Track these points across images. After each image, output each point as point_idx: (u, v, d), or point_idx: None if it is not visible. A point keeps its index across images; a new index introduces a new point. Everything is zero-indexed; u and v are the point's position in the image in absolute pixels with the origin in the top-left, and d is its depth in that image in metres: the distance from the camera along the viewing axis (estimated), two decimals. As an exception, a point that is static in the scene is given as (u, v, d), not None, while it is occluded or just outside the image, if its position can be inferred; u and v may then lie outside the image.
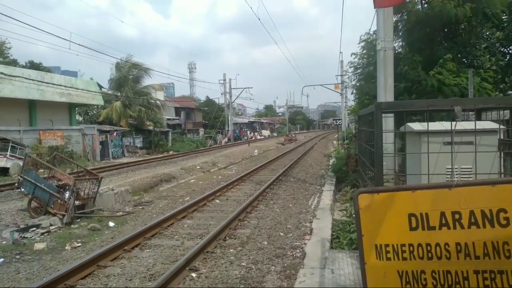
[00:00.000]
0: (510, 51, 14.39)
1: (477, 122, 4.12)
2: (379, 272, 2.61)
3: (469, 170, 4.26)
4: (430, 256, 2.51)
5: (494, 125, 4.53)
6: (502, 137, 4.80)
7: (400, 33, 14.37)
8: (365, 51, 15.81)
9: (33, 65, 37.95)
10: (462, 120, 5.02)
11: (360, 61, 16.48)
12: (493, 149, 4.32)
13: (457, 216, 2.48)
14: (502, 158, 4.47)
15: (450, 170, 3.98)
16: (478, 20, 12.77)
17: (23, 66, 34.57)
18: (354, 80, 18.37)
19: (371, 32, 14.80)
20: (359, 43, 16.03)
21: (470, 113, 5.85)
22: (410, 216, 2.58)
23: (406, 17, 13.59)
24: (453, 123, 3.21)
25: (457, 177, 2.65)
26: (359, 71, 16.69)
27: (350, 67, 17.75)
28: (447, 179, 4.11)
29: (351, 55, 16.76)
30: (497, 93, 12.41)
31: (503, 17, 13.34)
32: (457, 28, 13.16)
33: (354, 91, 17.94)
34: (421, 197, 2.58)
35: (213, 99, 65.71)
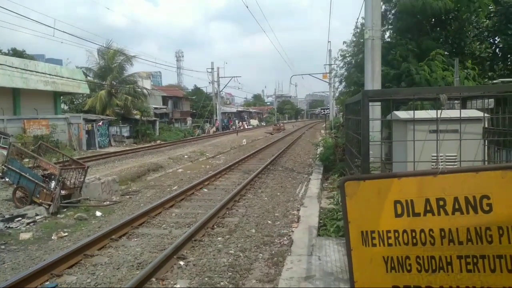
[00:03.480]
0: (498, 41, 14.54)
1: (462, 110, 4.17)
2: (365, 258, 2.65)
3: (454, 157, 4.32)
4: (415, 242, 2.56)
5: (479, 114, 4.59)
6: (486, 125, 4.88)
7: (390, 21, 14.39)
8: (355, 39, 15.83)
9: (16, 53, 37.04)
10: (447, 109, 5.07)
11: (350, 49, 16.51)
12: (478, 137, 4.38)
13: (441, 203, 2.52)
14: (486, 146, 4.54)
15: (435, 157, 4.03)
16: (465, 13, 12.86)
17: (5, 54, 33.75)
18: (343, 68, 18.37)
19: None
20: (354, 29, 16.07)
21: (456, 101, 5.92)
22: (396, 203, 2.61)
23: (395, 6, 13.63)
24: (439, 111, 3.24)
25: (442, 165, 2.69)
26: (348, 59, 16.72)
27: (341, 55, 17.76)
28: (432, 166, 4.16)
29: (343, 43, 16.81)
30: (486, 80, 12.54)
31: (490, 8, 13.41)
32: (446, 18, 13.21)
33: (343, 80, 17.95)
34: (407, 184, 2.61)
35: (201, 88, 65.19)
